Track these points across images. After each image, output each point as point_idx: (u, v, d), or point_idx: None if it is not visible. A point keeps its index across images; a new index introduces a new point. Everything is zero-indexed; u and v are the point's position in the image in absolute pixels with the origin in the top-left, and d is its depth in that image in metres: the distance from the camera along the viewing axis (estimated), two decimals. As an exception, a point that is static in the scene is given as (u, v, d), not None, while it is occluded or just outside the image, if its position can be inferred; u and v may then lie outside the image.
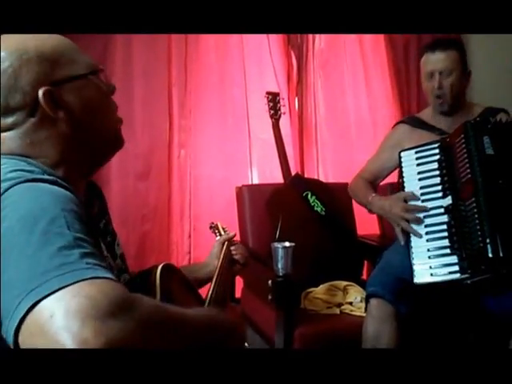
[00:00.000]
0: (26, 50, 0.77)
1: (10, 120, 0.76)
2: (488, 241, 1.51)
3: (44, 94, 0.76)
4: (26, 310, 0.54)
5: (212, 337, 0.73)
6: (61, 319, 0.53)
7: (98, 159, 0.88)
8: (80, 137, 0.81)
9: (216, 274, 1.25)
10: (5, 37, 0.79)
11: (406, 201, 1.77)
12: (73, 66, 0.81)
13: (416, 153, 1.82)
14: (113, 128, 0.88)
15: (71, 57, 0.82)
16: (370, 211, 1.98)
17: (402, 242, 1.75)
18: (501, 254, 1.49)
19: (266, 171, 2.67)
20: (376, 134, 2.80)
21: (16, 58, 0.76)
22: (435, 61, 1.91)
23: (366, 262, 2.32)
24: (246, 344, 0.91)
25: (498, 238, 1.50)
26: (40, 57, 0.77)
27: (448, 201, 1.68)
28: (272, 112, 2.43)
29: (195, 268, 1.32)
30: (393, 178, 2.12)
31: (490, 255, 1.50)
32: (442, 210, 1.69)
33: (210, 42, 2.62)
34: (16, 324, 0.55)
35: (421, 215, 1.73)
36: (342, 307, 2.01)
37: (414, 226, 1.72)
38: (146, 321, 0.58)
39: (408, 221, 1.73)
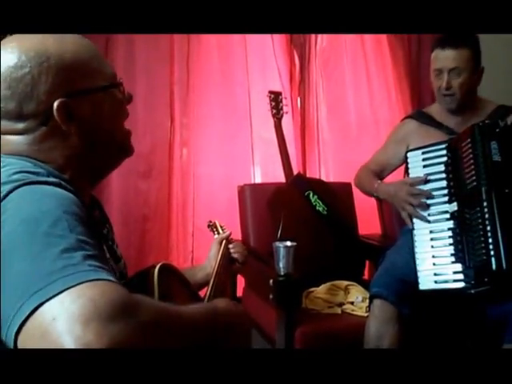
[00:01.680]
0: (47, 56, 0.75)
1: (21, 126, 0.76)
2: (492, 253, 1.48)
3: (59, 106, 0.75)
4: (28, 312, 0.54)
5: (215, 332, 0.72)
6: (63, 322, 0.53)
7: (105, 168, 0.88)
8: (89, 149, 0.80)
9: (214, 273, 1.24)
10: (24, 37, 0.77)
11: (411, 186, 1.77)
12: (93, 77, 0.80)
13: (423, 153, 1.79)
14: (123, 140, 0.87)
15: (92, 67, 0.81)
16: (377, 198, 2.00)
17: (411, 226, 1.75)
18: (504, 267, 1.46)
19: (268, 170, 2.66)
20: (378, 134, 2.79)
21: (36, 64, 0.74)
22: (444, 58, 1.83)
23: (367, 262, 2.32)
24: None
25: (502, 251, 1.47)
26: (60, 66, 0.76)
27: (453, 207, 1.66)
28: (274, 111, 2.42)
29: (194, 271, 1.31)
30: (395, 177, 2.11)
31: (494, 268, 1.48)
32: (448, 216, 1.67)
33: (212, 41, 2.61)
34: (17, 327, 0.55)
35: (425, 213, 1.72)
36: (344, 307, 2.01)
37: (419, 211, 1.73)
38: (148, 323, 0.58)
39: (413, 206, 1.74)
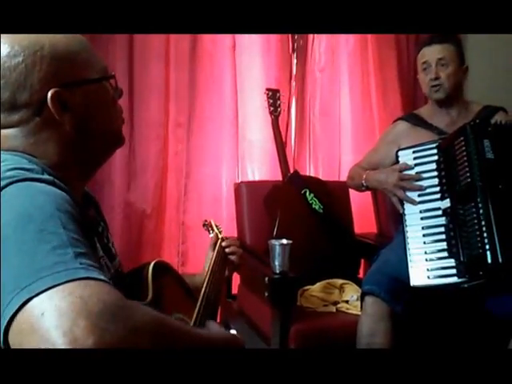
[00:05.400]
0: (40, 46, 0.75)
1: (15, 117, 0.76)
2: (487, 247, 1.50)
3: (52, 95, 0.75)
4: (17, 307, 0.54)
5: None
6: (52, 318, 0.53)
7: (98, 159, 0.88)
8: (82, 139, 0.80)
9: (209, 271, 1.24)
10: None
11: (400, 172, 1.81)
12: (86, 68, 0.81)
13: (413, 152, 1.82)
14: (115, 130, 0.88)
15: (85, 59, 0.81)
16: (367, 188, 2.01)
17: (401, 211, 1.78)
18: (500, 261, 1.48)
19: (248, 171, 2.67)
20: (373, 136, 2.80)
21: (29, 54, 0.74)
22: (431, 52, 1.94)
23: (362, 261, 2.33)
24: None
25: (497, 244, 1.49)
26: (54, 55, 0.76)
27: (446, 203, 1.68)
28: (272, 109, 2.43)
29: (194, 277, 1.29)
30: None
31: (490, 261, 1.49)
32: (440, 212, 1.69)
33: (207, 39, 2.60)
34: (7, 321, 0.55)
35: (417, 209, 1.74)
36: (338, 305, 2.02)
37: (410, 194, 1.77)
38: (138, 329, 0.57)
39: (404, 191, 1.78)
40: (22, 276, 0.56)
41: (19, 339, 0.55)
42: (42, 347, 0.53)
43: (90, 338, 0.52)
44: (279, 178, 2.41)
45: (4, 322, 0.55)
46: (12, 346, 0.56)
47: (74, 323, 0.52)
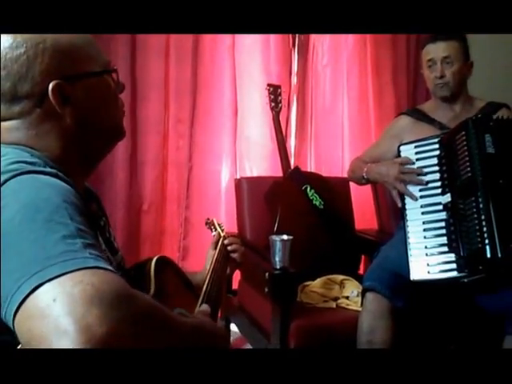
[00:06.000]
0: (43, 38, 0.75)
1: (17, 108, 0.76)
2: (487, 241, 1.50)
3: (54, 87, 0.75)
4: (27, 292, 0.55)
5: (197, 343, 0.73)
6: (64, 304, 0.53)
7: (99, 153, 0.88)
8: (83, 132, 0.81)
9: (211, 268, 1.24)
10: None
11: (402, 165, 1.81)
12: (88, 62, 0.81)
13: (415, 147, 1.82)
14: (116, 124, 0.88)
15: (88, 52, 0.81)
16: (368, 181, 2.01)
17: (400, 204, 1.79)
18: (499, 255, 1.48)
19: (246, 168, 2.68)
20: (374, 134, 2.80)
21: (31, 45, 0.75)
22: (436, 49, 1.94)
23: (363, 257, 2.33)
24: None
25: (496, 239, 1.49)
26: (56, 48, 0.76)
27: (447, 198, 1.68)
28: (273, 104, 2.43)
29: (195, 275, 1.29)
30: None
31: (489, 256, 1.49)
32: (441, 207, 1.69)
33: (207, 36, 2.59)
34: (16, 306, 0.55)
35: (418, 204, 1.74)
36: (339, 301, 2.01)
37: (410, 188, 1.76)
38: (143, 317, 0.58)
39: (405, 184, 1.77)
40: (32, 263, 0.56)
41: (27, 325, 0.55)
42: (52, 333, 0.53)
43: (101, 327, 0.53)
44: (277, 174, 2.41)
45: (14, 307, 0.55)
46: (18, 332, 0.56)
47: (86, 310, 0.53)
